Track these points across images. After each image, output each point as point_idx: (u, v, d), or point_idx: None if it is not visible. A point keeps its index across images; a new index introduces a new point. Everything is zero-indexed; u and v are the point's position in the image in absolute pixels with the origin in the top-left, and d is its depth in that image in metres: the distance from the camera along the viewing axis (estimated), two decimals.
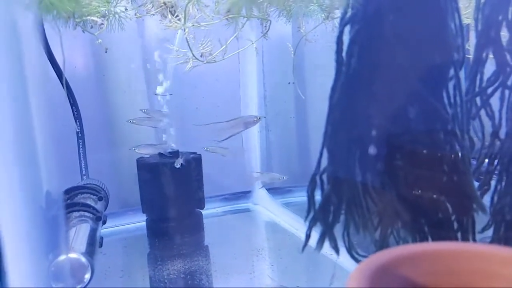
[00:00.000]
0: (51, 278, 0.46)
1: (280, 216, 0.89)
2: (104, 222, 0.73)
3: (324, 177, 0.50)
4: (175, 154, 0.85)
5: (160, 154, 0.85)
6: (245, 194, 0.99)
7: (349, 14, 0.47)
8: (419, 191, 0.49)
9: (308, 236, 0.50)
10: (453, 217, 0.50)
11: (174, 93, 0.83)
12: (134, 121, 0.80)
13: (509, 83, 0.53)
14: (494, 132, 0.55)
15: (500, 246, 0.40)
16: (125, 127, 0.91)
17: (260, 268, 0.70)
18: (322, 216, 0.49)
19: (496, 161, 0.55)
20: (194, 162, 0.84)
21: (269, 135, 0.98)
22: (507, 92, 0.53)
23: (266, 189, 0.97)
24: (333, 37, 0.66)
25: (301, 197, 0.99)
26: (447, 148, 0.49)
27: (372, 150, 0.47)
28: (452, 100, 0.49)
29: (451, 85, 0.49)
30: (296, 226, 0.83)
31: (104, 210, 0.76)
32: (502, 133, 0.55)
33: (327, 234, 0.49)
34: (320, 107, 0.95)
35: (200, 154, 0.85)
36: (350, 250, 0.50)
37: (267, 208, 0.95)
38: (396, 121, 0.48)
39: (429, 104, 0.47)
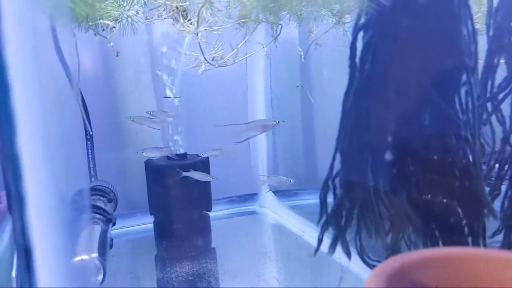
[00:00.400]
0: None
1: (287, 218, 0.89)
2: (114, 224, 0.73)
3: (337, 181, 0.50)
4: (182, 156, 0.86)
5: (168, 157, 0.85)
6: (251, 197, 0.99)
7: (362, 20, 0.47)
8: (431, 196, 0.50)
9: (320, 240, 0.51)
10: (463, 222, 0.50)
11: (181, 95, 0.83)
12: (134, 119, 0.81)
13: None
14: (504, 137, 0.56)
15: None
16: (132, 129, 0.92)
17: (268, 271, 0.71)
18: (334, 220, 0.49)
19: (506, 166, 0.56)
20: (202, 165, 0.85)
21: (275, 138, 0.98)
22: None
23: (272, 192, 0.97)
24: (342, 42, 0.67)
25: (307, 200, 0.99)
26: (459, 154, 0.49)
27: (386, 155, 0.47)
28: (464, 105, 0.49)
29: (463, 90, 0.49)
30: (303, 229, 0.83)
31: (113, 212, 0.77)
32: None
33: (339, 238, 0.50)
34: (326, 111, 0.96)
35: (207, 157, 0.85)
36: (361, 255, 0.50)
37: (273, 210, 0.95)
38: (408, 127, 0.48)
39: (442, 110, 0.48)
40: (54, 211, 0.28)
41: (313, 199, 1.02)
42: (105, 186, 0.78)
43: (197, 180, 0.82)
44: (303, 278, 0.69)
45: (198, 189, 0.84)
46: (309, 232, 0.81)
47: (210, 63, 0.59)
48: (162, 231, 0.85)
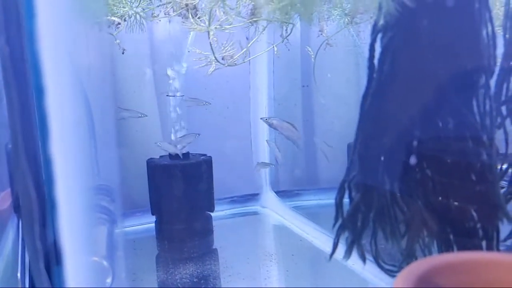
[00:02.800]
0: None
1: (289, 219, 0.89)
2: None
3: (353, 184, 0.50)
4: (185, 156, 0.84)
5: (171, 156, 0.84)
6: (253, 197, 0.98)
7: (382, 22, 0.47)
8: (446, 199, 0.49)
9: (336, 244, 0.50)
10: (478, 226, 0.50)
11: (183, 94, 0.82)
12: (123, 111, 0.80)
13: None
14: None
15: None
16: (134, 127, 0.91)
17: (273, 274, 0.70)
18: (350, 224, 0.49)
19: None
20: (205, 164, 0.83)
21: (277, 139, 0.97)
22: None
23: (274, 192, 0.97)
24: (351, 42, 0.66)
25: (308, 200, 0.99)
26: (475, 157, 0.49)
27: (403, 159, 0.46)
28: (481, 109, 0.49)
29: (481, 93, 0.49)
30: (307, 230, 0.82)
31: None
32: None
33: (355, 242, 0.49)
34: (328, 111, 0.95)
35: (210, 156, 0.84)
36: (376, 259, 0.50)
37: (275, 211, 0.94)
38: (427, 130, 0.48)
39: (460, 113, 0.47)
40: (83, 213, 0.28)
41: (314, 200, 1.02)
42: (108, 185, 0.77)
43: (199, 180, 0.81)
44: (311, 281, 0.68)
45: (201, 189, 0.83)
46: (313, 234, 0.80)
47: (220, 62, 0.58)
48: (164, 232, 0.84)
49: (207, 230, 0.85)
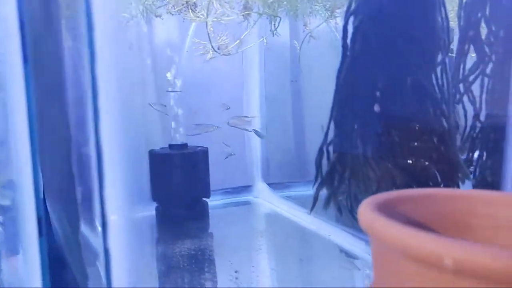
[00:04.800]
0: None
1: (279, 206, 0.95)
2: None
3: (331, 148, 0.57)
4: (184, 146, 0.92)
5: (170, 146, 0.91)
6: (246, 188, 1.05)
7: (353, 7, 0.55)
8: (412, 161, 0.57)
9: (315, 199, 0.57)
10: (441, 184, 0.57)
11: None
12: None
13: (488, 71, 0.62)
14: (475, 115, 0.64)
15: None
16: (133, 117, 0.96)
17: (264, 247, 0.76)
18: (328, 181, 0.56)
19: (477, 141, 0.63)
20: (201, 154, 0.91)
21: (269, 134, 1.04)
22: (486, 80, 0.62)
23: (266, 184, 1.04)
24: (332, 37, 0.74)
25: (299, 191, 1.06)
26: (436, 124, 0.57)
27: (373, 124, 0.54)
28: (440, 82, 0.57)
29: (439, 69, 0.57)
30: (296, 214, 0.89)
31: None
32: (482, 115, 0.63)
33: (332, 196, 0.56)
34: (316, 106, 1.02)
35: (207, 148, 0.92)
36: (352, 212, 0.57)
37: (267, 200, 1.01)
38: (393, 99, 0.56)
39: (422, 85, 0.55)
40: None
41: (304, 191, 1.09)
42: None
43: (196, 169, 0.88)
44: (298, 252, 0.74)
45: (197, 177, 0.90)
46: (301, 217, 0.87)
47: (216, 51, 0.66)
48: (164, 215, 0.90)
49: (203, 215, 0.91)
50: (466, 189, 0.52)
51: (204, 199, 0.93)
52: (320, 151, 0.57)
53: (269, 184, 1.04)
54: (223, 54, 0.67)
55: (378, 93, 0.55)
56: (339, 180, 0.57)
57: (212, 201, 0.97)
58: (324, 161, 0.58)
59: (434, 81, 0.57)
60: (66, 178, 0.47)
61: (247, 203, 1.02)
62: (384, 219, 0.29)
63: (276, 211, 0.94)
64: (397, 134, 0.57)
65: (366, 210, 0.35)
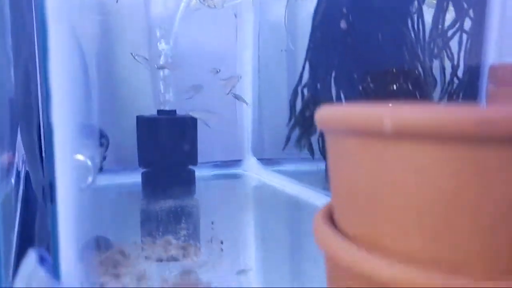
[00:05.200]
0: None
1: (269, 179, 0.96)
2: (101, 169, 0.78)
3: (305, 90, 0.58)
4: (173, 113, 0.93)
5: (158, 111, 0.93)
6: (236, 162, 1.05)
7: None
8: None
9: (288, 139, 0.58)
10: None
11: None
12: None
13: (466, 28, 0.62)
14: (453, 71, 0.64)
15: None
16: (125, 87, 0.98)
17: (252, 212, 0.76)
18: (301, 120, 0.57)
19: (455, 96, 0.64)
20: (191, 121, 0.92)
21: (261, 107, 1.03)
22: (464, 36, 0.63)
23: (257, 159, 1.04)
24: None
25: (289, 166, 1.05)
26: (411, 67, 0.58)
27: (352, 73, 0.55)
28: (416, 29, 0.58)
29: (415, 17, 0.58)
30: (285, 185, 0.89)
31: (103, 158, 0.82)
32: (460, 72, 0.64)
33: (304, 136, 0.57)
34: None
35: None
36: (322, 152, 0.58)
37: (256, 173, 1.01)
38: (367, 40, 0.57)
39: (397, 27, 0.56)
40: None
41: (294, 166, 1.08)
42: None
43: (184, 135, 0.89)
44: (285, 216, 0.74)
45: (185, 144, 0.91)
46: (290, 187, 0.87)
47: (201, 2, 0.68)
48: (149, 181, 0.91)
49: (189, 181, 0.92)
50: None
51: (191, 167, 0.94)
52: (295, 92, 0.58)
53: (260, 159, 1.04)
54: (208, 6, 0.69)
55: (353, 36, 0.56)
56: (310, 117, 0.57)
57: (200, 173, 0.98)
58: (299, 102, 0.59)
59: (410, 26, 0.58)
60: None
61: (236, 176, 1.02)
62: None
63: (266, 183, 0.93)
64: (373, 82, 0.58)
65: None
